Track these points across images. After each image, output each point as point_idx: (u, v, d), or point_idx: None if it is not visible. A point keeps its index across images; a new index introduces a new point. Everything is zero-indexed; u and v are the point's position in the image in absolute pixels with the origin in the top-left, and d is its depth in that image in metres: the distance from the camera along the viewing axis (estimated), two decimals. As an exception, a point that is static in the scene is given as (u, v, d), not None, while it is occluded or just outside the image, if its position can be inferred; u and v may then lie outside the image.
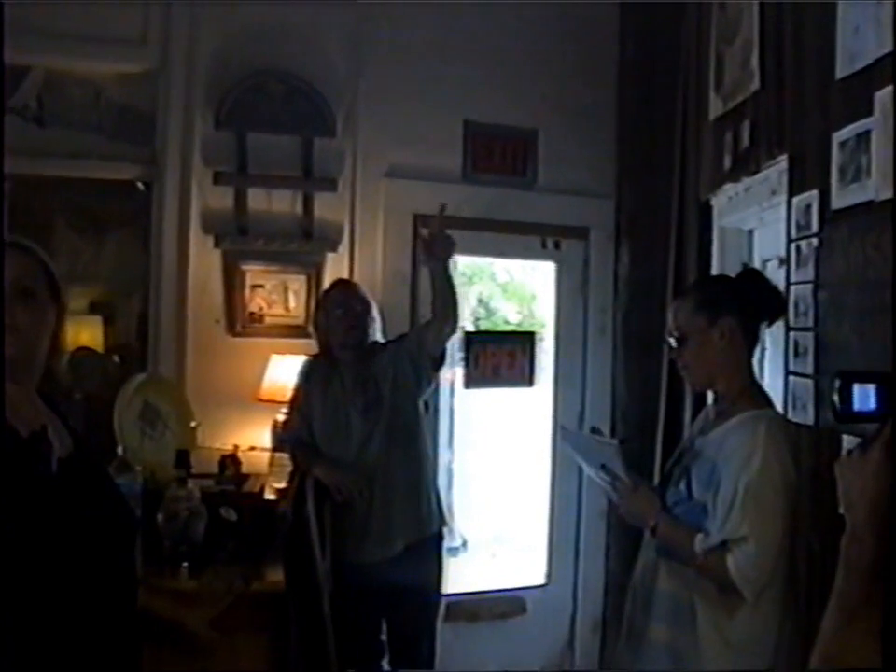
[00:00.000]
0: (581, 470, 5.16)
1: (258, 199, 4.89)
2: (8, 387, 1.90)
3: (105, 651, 1.93)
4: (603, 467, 2.86)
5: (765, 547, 2.52)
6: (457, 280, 5.37)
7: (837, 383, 1.45)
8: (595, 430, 3.38)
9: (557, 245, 5.47)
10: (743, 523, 2.53)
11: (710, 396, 3.06)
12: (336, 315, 4.11)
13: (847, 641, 1.35)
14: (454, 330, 4.09)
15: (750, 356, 2.80)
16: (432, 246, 3.92)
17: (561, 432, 4.45)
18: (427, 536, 4.14)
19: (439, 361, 4.13)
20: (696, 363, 2.79)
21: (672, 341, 2.81)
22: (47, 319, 2.05)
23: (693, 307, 2.79)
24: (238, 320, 4.89)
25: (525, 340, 5.59)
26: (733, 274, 3.18)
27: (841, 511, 1.41)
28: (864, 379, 1.45)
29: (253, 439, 4.65)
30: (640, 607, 2.81)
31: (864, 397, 1.44)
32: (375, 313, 4.19)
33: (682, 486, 2.73)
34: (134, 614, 2.05)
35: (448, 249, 3.93)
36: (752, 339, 2.80)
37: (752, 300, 2.78)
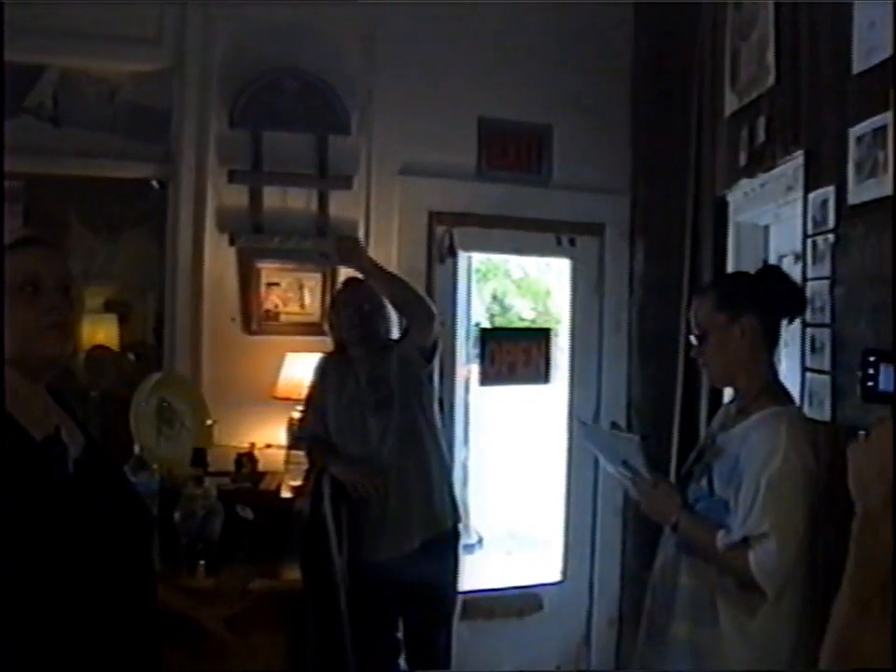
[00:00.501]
0: (596, 467, 5.18)
1: (273, 197, 4.90)
2: (20, 385, 1.90)
3: (124, 650, 1.92)
4: (624, 463, 2.85)
5: (787, 543, 2.52)
6: (472, 277, 5.42)
7: (864, 361, 1.43)
8: (614, 425, 3.36)
9: (572, 242, 5.46)
10: (765, 519, 2.52)
11: (728, 394, 3.05)
12: (347, 313, 4.12)
13: (861, 635, 1.31)
14: (429, 319, 4.08)
15: (771, 353, 2.80)
16: (339, 255, 4.04)
17: (579, 427, 4.39)
18: (442, 532, 4.14)
19: (429, 353, 4.12)
20: (717, 360, 2.79)
21: (693, 338, 2.80)
22: (76, 318, 2.07)
23: (713, 304, 2.78)
24: (253, 318, 4.90)
25: (541, 337, 5.58)
26: (749, 270, 3.17)
27: (853, 496, 1.37)
28: (891, 359, 1.43)
29: (269, 437, 4.66)
30: (661, 604, 2.81)
31: (889, 377, 1.42)
32: (388, 311, 4.18)
33: (704, 483, 2.73)
34: (154, 612, 2.04)
35: (353, 251, 4.00)
36: (773, 336, 2.80)
37: (773, 297, 2.77)
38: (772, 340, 2.79)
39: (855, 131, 2.91)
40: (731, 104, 4.09)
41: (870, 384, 1.44)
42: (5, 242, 2.00)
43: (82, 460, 1.98)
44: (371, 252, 4.91)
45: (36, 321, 1.91)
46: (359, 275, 4.14)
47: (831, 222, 3.11)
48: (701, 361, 2.84)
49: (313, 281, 4.95)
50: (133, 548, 2.01)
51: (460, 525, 4.30)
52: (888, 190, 2.69)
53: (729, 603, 2.62)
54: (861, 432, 1.36)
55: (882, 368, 1.42)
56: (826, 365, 3.11)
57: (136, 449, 3.85)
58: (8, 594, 1.73)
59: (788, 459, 2.55)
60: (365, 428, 4.07)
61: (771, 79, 3.65)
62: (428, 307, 4.08)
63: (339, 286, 4.50)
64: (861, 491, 1.33)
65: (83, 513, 1.91)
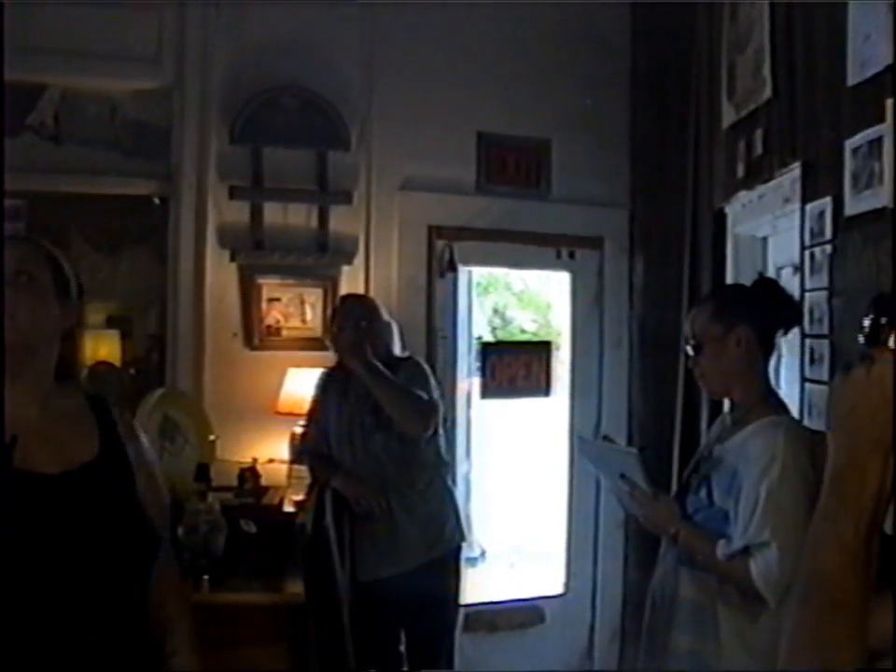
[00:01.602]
0: (598, 480, 5.18)
1: (273, 213, 4.92)
2: None
3: (113, 657, 1.92)
4: (622, 476, 2.85)
5: (787, 552, 2.52)
6: (473, 290, 5.43)
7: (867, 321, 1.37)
8: (606, 438, 3.38)
9: (572, 255, 5.47)
10: (765, 528, 2.53)
11: (726, 404, 3.06)
12: (343, 330, 4.12)
13: (847, 586, 1.17)
14: (429, 416, 4.03)
15: (766, 363, 2.81)
16: (342, 354, 4.00)
17: (578, 443, 4.41)
18: (447, 552, 4.16)
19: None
20: (712, 371, 2.80)
21: (689, 349, 2.82)
22: (48, 309, 2.00)
23: (708, 315, 2.80)
24: (255, 334, 4.91)
25: (542, 349, 5.60)
26: (748, 282, 3.19)
27: (832, 434, 1.25)
28: None
29: (271, 451, 4.68)
30: (661, 615, 2.81)
31: None
32: (386, 326, 4.18)
33: (703, 493, 2.74)
34: (146, 630, 2.03)
35: (354, 352, 3.95)
36: (768, 347, 2.81)
37: (767, 308, 2.79)
38: (767, 350, 2.80)
39: (851, 142, 2.93)
40: (728, 116, 4.11)
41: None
42: None
43: (88, 466, 1.97)
44: (372, 267, 4.95)
45: None
46: (360, 291, 4.15)
47: (828, 233, 3.12)
48: (697, 372, 2.85)
49: (314, 296, 4.97)
50: (133, 557, 1.98)
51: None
52: (884, 201, 2.70)
53: (730, 613, 2.62)
54: (856, 367, 1.26)
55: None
56: (825, 376, 3.12)
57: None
58: None
59: (786, 468, 2.55)
60: (366, 444, 4.07)
61: (768, 92, 3.67)
62: (428, 409, 4.03)
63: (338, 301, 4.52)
64: (848, 427, 1.23)
65: (78, 517, 1.89)
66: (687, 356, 2.85)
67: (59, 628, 1.84)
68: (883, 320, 1.34)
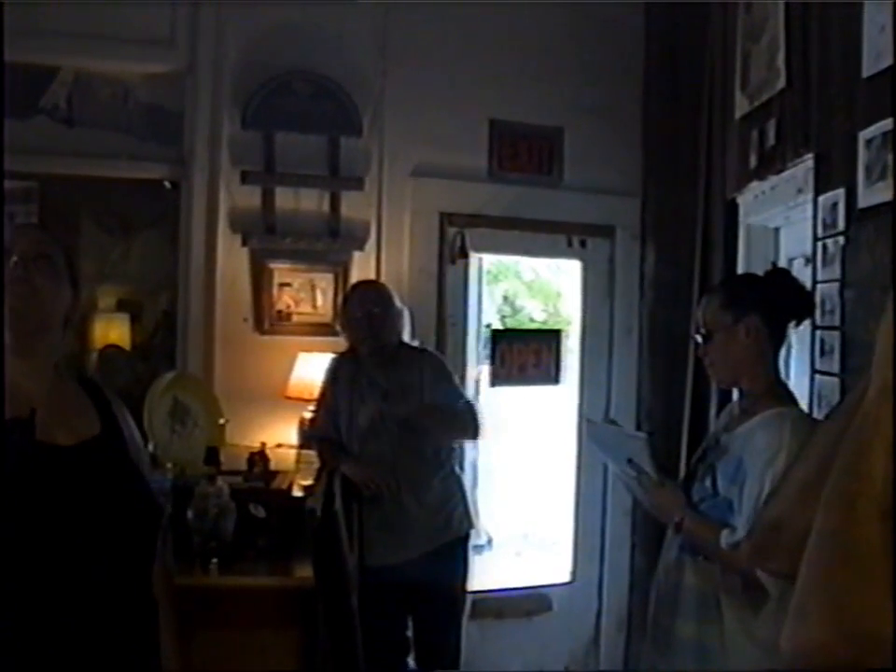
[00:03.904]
0: (606, 468, 5.18)
1: (285, 198, 4.92)
2: (9, 363, 1.93)
3: (117, 641, 1.98)
4: (629, 461, 2.85)
5: None
6: (483, 278, 5.43)
7: None
8: (611, 422, 3.39)
9: (583, 244, 5.47)
10: None
11: (735, 393, 3.06)
12: (356, 316, 4.13)
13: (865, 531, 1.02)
14: (476, 433, 4.26)
15: (776, 354, 2.80)
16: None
17: (587, 425, 4.32)
18: (455, 538, 4.17)
19: None
20: (722, 360, 2.80)
21: (698, 337, 2.82)
22: (65, 291, 2.10)
23: (719, 304, 2.80)
24: (266, 318, 4.92)
25: (551, 338, 5.59)
26: (759, 273, 3.18)
27: (879, 344, 1.17)
28: None
29: (281, 436, 4.69)
30: (665, 604, 2.82)
31: None
32: (398, 313, 4.20)
33: (708, 482, 2.74)
34: (151, 604, 2.11)
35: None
36: (778, 337, 2.80)
37: (779, 299, 2.78)
38: (777, 341, 2.80)
39: (865, 134, 2.92)
40: (741, 106, 4.11)
41: None
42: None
43: (89, 443, 2.05)
44: (383, 253, 4.96)
45: (8, 281, 1.96)
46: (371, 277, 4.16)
47: (841, 225, 3.12)
48: (706, 361, 2.85)
49: (325, 281, 4.98)
50: (135, 535, 2.05)
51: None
52: (897, 194, 2.70)
53: (733, 602, 2.63)
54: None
55: None
56: (835, 368, 3.12)
57: (150, 447, 3.86)
58: None
59: (791, 459, 2.56)
60: (376, 429, 4.08)
61: (781, 82, 3.66)
62: (470, 417, 4.22)
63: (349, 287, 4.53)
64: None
65: (79, 494, 1.96)
66: (697, 344, 2.86)
67: (78, 591, 1.92)
68: None
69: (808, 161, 3.41)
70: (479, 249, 5.26)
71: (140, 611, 2.06)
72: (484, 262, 5.51)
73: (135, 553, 2.05)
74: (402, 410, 4.06)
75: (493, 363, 5.32)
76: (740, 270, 4.13)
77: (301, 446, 4.53)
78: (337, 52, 4.93)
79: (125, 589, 2.01)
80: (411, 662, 4.23)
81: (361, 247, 4.99)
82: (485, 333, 5.47)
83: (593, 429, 3.58)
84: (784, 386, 2.85)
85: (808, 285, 3.19)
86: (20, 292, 1.98)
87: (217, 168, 4.88)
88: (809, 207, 3.39)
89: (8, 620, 1.83)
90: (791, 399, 2.81)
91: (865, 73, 2.93)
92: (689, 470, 2.94)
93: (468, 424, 4.16)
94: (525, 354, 5.36)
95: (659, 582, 2.89)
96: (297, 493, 4.21)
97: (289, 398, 4.70)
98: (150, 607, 2.10)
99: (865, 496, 1.04)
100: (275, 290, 4.93)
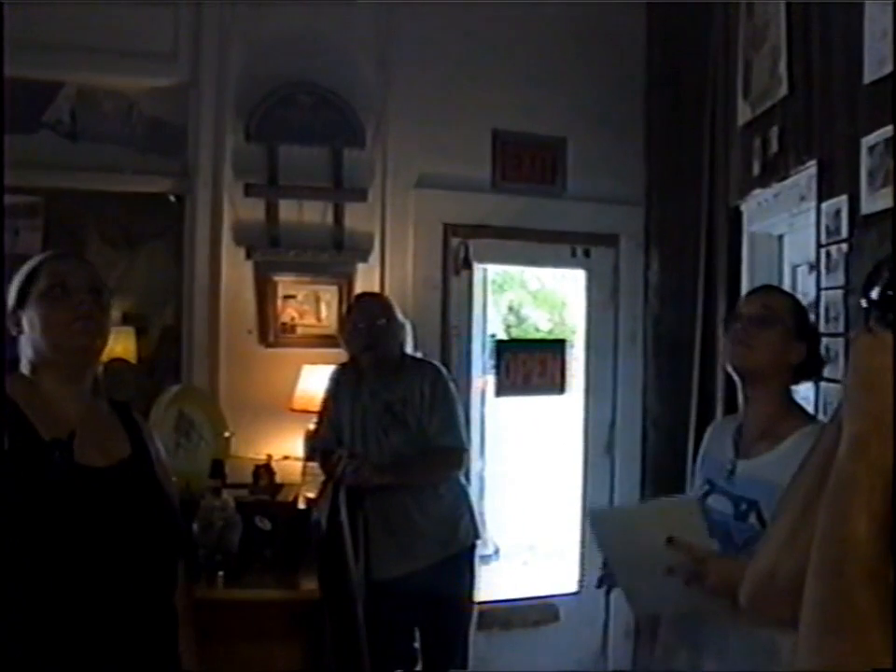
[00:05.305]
0: (612, 476, 5.19)
1: (288, 210, 4.92)
2: (52, 387, 2.11)
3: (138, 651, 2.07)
4: (669, 540, 2.41)
5: None
6: (488, 288, 5.43)
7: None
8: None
9: (587, 253, 5.47)
10: None
11: (720, 414, 2.98)
12: (358, 327, 4.12)
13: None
14: (459, 469, 4.22)
15: (793, 383, 2.72)
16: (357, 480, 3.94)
17: (591, 516, 2.90)
18: (461, 549, 4.16)
19: None
20: (764, 346, 2.62)
21: (756, 316, 2.65)
22: (110, 322, 2.27)
23: (791, 304, 2.71)
24: (270, 331, 4.93)
25: (556, 347, 5.59)
26: (763, 281, 3.16)
27: (848, 400, 1.16)
28: None
29: (286, 448, 4.68)
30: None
31: None
32: (401, 325, 4.19)
33: (753, 519, 2.53)
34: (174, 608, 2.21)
35: (362, 477, 3.92)
36: (800, 376, 2.73)
37: (811, 357, 2.71)
38: (798, 377, 2.73)
39: (867, 140, 2.92)
40: (744, 114, 4.10)
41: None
42: (33, 257, 2.22)
43: (118, 466, 2.15)
44: (387, 264, 4.96)
45: (66, 317, 2.09)
46: (375, 288, 4.16)
47: (844, 231, 3.11)
48: (747, 341, 2.64)
49: (329, 294, 4.98)
50: (156, 557, 2.15)
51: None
52: (901, 200, 2.70)
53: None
54: (879, 330, 1.18)
55: None
56: (840, 374, 3.10)
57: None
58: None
59: None
60: (378, 441, 4.08)
61: (783, 90, 3.66)
62: (455, 457, 4.16)
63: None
64: (875, 393, 1.12)
65: (108, 514, 2.07)
66: (747, 321, 2.66)
67: (107, 605, 2.03)
68: None
69: (811, 167, 3.41)
70: (483, 260, 5.27)
71: (162, 624, 2.16)
72: (490, 272, 5.51)
73: (159, 569, 2.16)
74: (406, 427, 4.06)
75: (498, 373, 5.32)
76: (744, 277, 4.12)
77: (307, 458, 4.52)
78: (340, 64, 4.94)
79: (150, 604, 2.12)
80: (418, 673, 4.22)
81: (365, 259, 5.00)
82: (490, 344, 5.47)
83: (599, 519, 2.79)
84: (798, 405, 2.75)
85: (812, 292, 3.18)
86: (84, 328, 2.13)
87: (220, 181, 4.89)
88: (813, 214, 3.38)
89: (42, 631, 1.92)
90: (809, 415, 2.72)
91: (867, 79, 2.92)
92: (701, 503, 2.63)
93: (451, 467, 4.15)
94: (531, 364, 5.36)
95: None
96: (302, 505, 4.21)
97: (294, 410, 4.70)
98: (172, 619, 2.20)
99: (850, 561, 1.06)
100: (280, 303, 4.94)
